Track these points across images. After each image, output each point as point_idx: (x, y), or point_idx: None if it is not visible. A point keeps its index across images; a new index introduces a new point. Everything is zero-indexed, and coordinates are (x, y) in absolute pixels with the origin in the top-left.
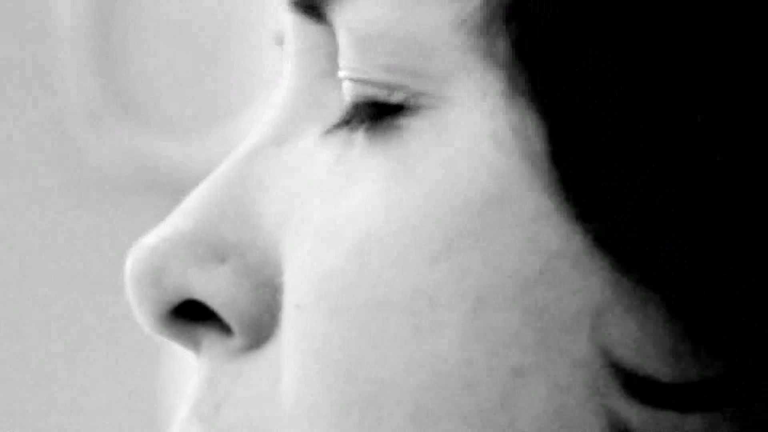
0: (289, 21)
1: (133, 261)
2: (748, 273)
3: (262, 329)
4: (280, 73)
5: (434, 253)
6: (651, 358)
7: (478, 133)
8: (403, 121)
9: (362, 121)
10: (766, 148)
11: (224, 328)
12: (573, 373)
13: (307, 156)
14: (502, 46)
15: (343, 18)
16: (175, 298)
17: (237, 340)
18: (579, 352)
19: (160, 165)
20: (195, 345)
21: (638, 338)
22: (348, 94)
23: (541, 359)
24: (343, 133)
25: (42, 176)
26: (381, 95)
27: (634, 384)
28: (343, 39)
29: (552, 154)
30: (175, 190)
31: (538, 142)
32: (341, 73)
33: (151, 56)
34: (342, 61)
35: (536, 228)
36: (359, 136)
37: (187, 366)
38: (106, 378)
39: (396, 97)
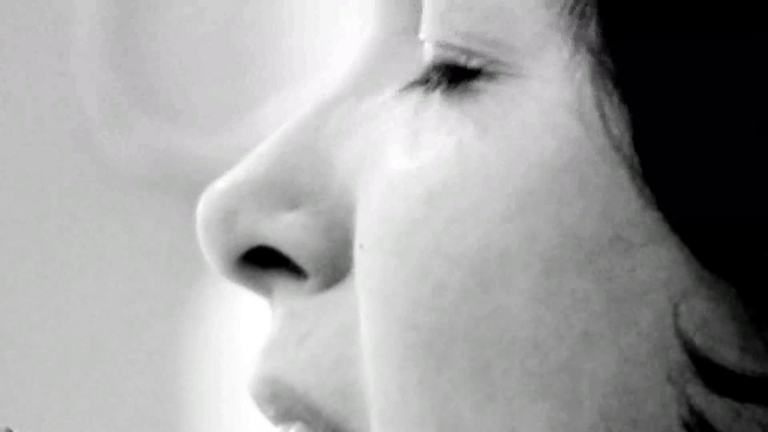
0: None
1: (204, 204)
2: None
3: (336, 269)
4: (301, 70)
5: (507, 210)
6: (730, 349)
7: (558, 104)
8: (481, 84)
9: (439, 82)
10: None
11: (297, 272)
12: (642, 346)
13: (384, 108)
14: (593, 29)
15: None
16: (246, 243)
17: (312, 281)
18: (650, 327)
19: (181, 160)
20: (267, 291)
21: (716, 329)
22: (427, 54)
23: (611, 327)
24: (420, 91)
25: (63, 172)
26: (460, 59)
27: (713, 373)
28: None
29: (634, 140)
30: (196, 185)
31: (620, 127)
32: (422, 35)
33: (172, 51)
34: (424, 23)
35: (611, 198)
36: (436, 96)
37: (206, 368)
38: (123, 372)
39: (474, 63)
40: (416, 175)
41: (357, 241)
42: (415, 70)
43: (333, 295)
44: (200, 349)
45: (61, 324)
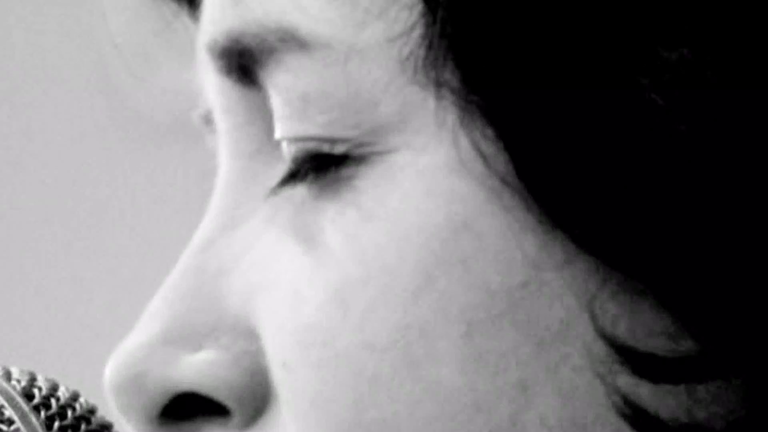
0: (217, 94)
1: (111, 374)
2: (726, 259)
3: (256, 399)
4: None
5: (415, 287)
6: (649, 336)
7: (433, 167)
8: (351, 170)
9: (306, 174)
10: (715, 137)
11: (220, 411)
12: (581, 377)
13: (262, 230)
14: (450, 74)
15: (276, 79)
16: (163, 397)
17: (236, 418)
18: (577, 353)
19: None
20: None
21: (633, 323)
22: (288, 152)
23: (543, 370)
24: (288, 191)
25: (88, 117)
26: (324, 148)
27: (639, 362)
28: (277, 100)
29: (517, 171)
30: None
31: (501, 163)
32: (278, 134)
33: None
34: (278, 121)
35: (510, 244)
36: (306, 191)
37: None
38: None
39: (340, 148)
40: (318, 277)
41: (276, 362)
42: (278, 174)
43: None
44: None
45: (84, 272)
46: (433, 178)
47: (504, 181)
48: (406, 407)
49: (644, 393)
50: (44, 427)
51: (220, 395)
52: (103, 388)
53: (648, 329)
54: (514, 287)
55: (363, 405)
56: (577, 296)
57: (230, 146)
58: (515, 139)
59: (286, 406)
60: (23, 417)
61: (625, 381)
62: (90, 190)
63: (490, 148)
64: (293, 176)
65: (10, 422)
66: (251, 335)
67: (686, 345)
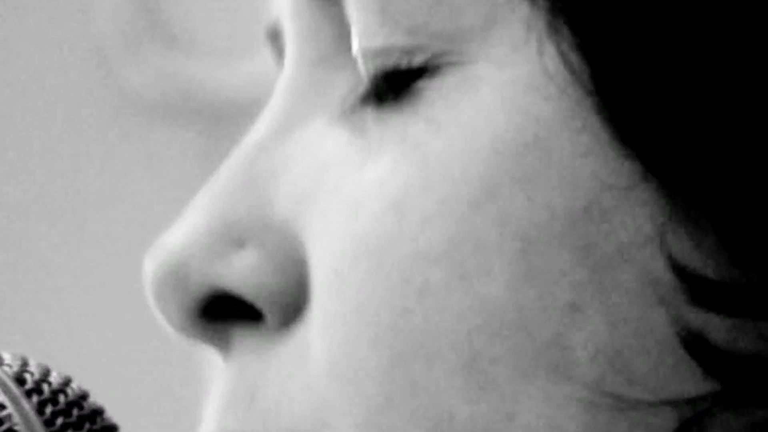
0: (288, 2)
1: (152, 266)
2: None
3: (291, 306)
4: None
5: (475, 199)
6: (717, 266)
7: (511, 82)
8: (425, 82)
9: (379, 94)
10: None
11: (254, 316)
12: (632, 306)
13: (319, 137)
14: None
15: None
16: (202, 294)
17: (269, 322)
18: (632, 280)
19: (198, 88)
20: (226, 344)
21: (699, 254)
22: (364, 68)
23: (595, 295)
24: (361, 110)
25: (80, 100)
26: (402, 62)
27: (706, 291)
28: (357, 6)
29: (597, 89)
30: (213, 113)
31: (582, 80)
32: (356, 46)
33: None
34: (357, 31)
35: (579, 166)
36: (380, 108)
37: None
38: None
39: (418, 60)
40: (377, 188)
41: (325, 269)
42: (347, 93)
43: (282, 344)
44: None
45: (76, 250)
46: (509, 93)
47: (582, 97)
48: (451, 319)
49: (709, 324)
50: (37, 412)
51: (259, 300)
52: (92, 374)
53: (712, 262)
54: (576, 209)
55: (408, 314)
56: (640, 224)
57: (294, 52)
58: (601, 49)
59: (323, 318)
60: (15, 402)
61: (690, 311)
62: (83, 172)
63: (572, 65)
64: (368, 97)
65: (2, 407)
66: (298, 243)
67: (750, 276)
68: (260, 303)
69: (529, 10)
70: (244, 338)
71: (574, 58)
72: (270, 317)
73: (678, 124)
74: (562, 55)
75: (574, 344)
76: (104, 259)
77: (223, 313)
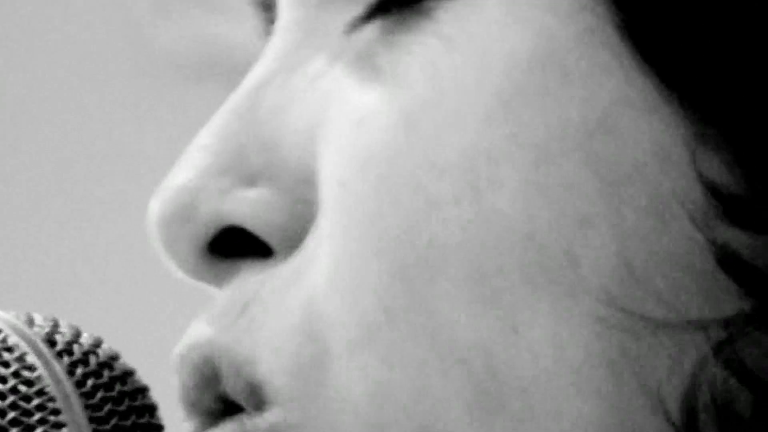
0: None
1: (159, 203)
2: None
3: (301, 242)
4: None
5: (489, 111)
6: (736, 187)
7: None
8: (432, 2)
9: (385, 11)
10: None
11: (264, 252)
12: (645, 221)
13: (325, 69)
14: None
15: None
16: (211, 229)
17: (278, 258)
18: (645, 197)
19: (227, 48)
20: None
21: (723, 173)
22: None
23: (608, 209)
24: (367, 36)
25: (109, 61)
26: None
27: (739, 209)
28: None
29: (620, 5)
30: (242, 72)
31: None
32: None
33: None
34: None
35: (596, 81)
36: (380, 28)
37: None
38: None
39: None
40: (386, 103)
41: (332, 180)
42: (350, 24)
43: (281, 267)
44: None
45: (108, 209)
46: (522, 8)
47: (603, 13)
48: (460, 231)
49: (739, 242)
50: (67, 373)
51: (269, 236)
52: (126, 322)
53: (734, 181)
54: (591, 123)
55: (417, 225)
56: (658, 142)
57: None
58: None
59: (329, 227)
60: (46, 363)
61: (723, 230)
62: (113, 132)
63: None
64: (371, 13)
65: (33, 368)
66: (310, 182)
67: None
68: (271, 238)
69: None
70: (252, 272)
71: None
72: (280, 253)
73: (700, 41)
74: None
75: (583, 258)
76: (137, 221)
77: (231, 251)
